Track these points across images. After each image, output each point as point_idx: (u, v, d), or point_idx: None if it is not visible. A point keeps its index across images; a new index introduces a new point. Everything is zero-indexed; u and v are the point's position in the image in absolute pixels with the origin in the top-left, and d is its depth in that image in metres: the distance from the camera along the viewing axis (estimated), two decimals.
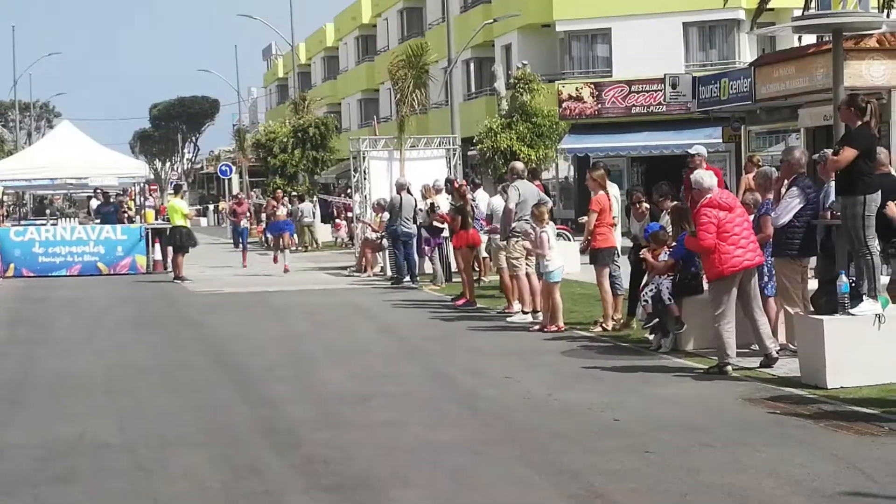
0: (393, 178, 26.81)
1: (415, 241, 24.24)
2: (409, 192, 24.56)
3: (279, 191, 33.28)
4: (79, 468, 8.68)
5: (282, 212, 30.47)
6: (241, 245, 33.73)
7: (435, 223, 23.00)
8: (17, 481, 8.39)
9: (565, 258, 16.16)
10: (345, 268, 29.34)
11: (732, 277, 11.91)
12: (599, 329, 15.46)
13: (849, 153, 11.14)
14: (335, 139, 49.25)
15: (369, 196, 28.26)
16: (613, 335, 15.08)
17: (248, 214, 35.66)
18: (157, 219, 33.22)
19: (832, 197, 12.39)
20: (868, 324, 10.82)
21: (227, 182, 59.04)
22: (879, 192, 11.35)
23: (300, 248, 40.18)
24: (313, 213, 42.14)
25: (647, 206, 15.34)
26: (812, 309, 11.92)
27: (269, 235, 36.84)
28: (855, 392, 10.48)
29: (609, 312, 15.58)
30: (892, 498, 7.14)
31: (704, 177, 12.27)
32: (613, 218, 15.99)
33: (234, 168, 60.65)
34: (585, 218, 16.16)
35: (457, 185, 21.61)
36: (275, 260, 29.69)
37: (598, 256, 15.73)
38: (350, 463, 8.63)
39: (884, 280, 11.83)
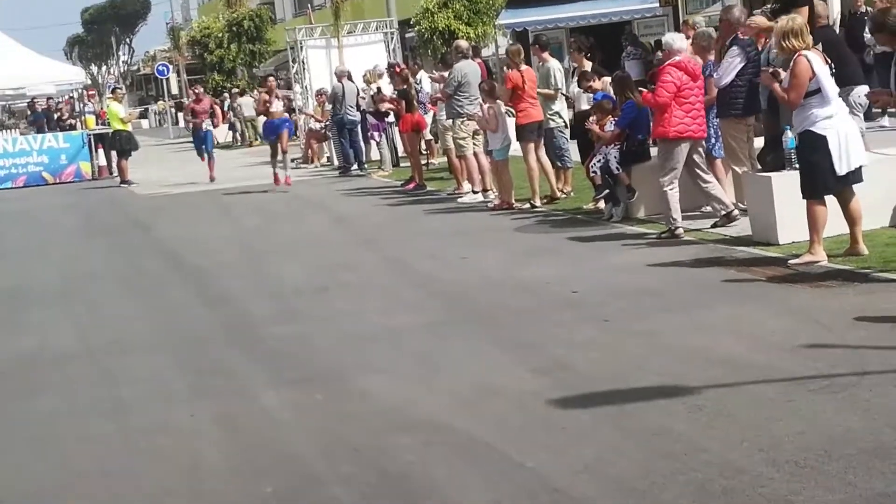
0: (332, 67, 26.48)
1: (359, 128, 24.03)
2: (350, 79, 24.26)
3: (270, 79, 23.04)
4: (42, 380, 8.61)
5: (277, 107, 21.81)
6: (205, 154, 25.65)
7: (380, 108, 22.75)
8: None
9: (511, 135, 16.06)
10: (291, 160, 29.06)
11: (677, 143, 11.90)
12: (528, 206, 15.40)
13: (800, 19, 11.04)
14: (271, 31, 48.52)
15: (310, 86, 27.92)
16: (564, 208, 15.08)
17: (211, 113, 28.56)
18: (97, 124, 32.68)
19: (773, 53, 12.32)
20: None
21: (165, 82, 58.05)
22: (820, 46, 11.28)
23: (245, 144, 39.78)
24: (254, 107, 41.64)
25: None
26: (759, 167, 11.94)
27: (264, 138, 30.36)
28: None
29: (536, 188, 15.52)
30: (851, 346, 7.21)
31: (676, 38, 12.24)
32: (557, 90, 15.84)
33: (171, 67, 59.60)
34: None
35: (399, 70, 21.35)
36: (275, 180, 21.76)
37: (521, 132, 15.63)
38: (313, 355, 8.62)
39: None
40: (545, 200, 15.61)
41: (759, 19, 11.89)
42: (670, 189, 11.94)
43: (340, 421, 6.82)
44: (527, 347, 8.14)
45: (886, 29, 9.23)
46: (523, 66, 15.74)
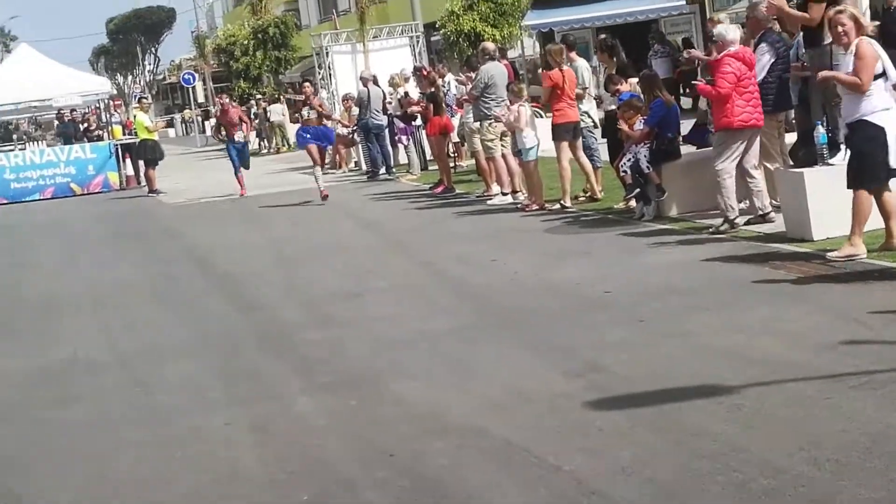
0: (358, 72, 26.52)
1: (386, 132, 24.06)
2: (375, 83, 24.29)
3: (307, 84, 21.69)
4: (75, 389, 8.65)
5: (311, 115, 20.30)
6: (235, 166, 23.16)
7: (408, 112, 22.74)
8: (14, 407, 8.37)
9: (540, 135, 16.03)
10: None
11: (740, 133, 11.81)
12: (558, 206, 15.37)
13: (818, 9, 11.01)
14: (296, 37, 48.63)
15: (336, 92, 27.97)
16: (595, 208, 15.04)
17: (241, 123, 23.41)
18: (124, 134, 32.86)
19: (802, 48, 12.27)
20: None
21: (191, 90, 58.34)
22: None
23: (272, 151, 39.89)
24: (283, 113, 41.72)
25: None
26: (791, 163, 11.88)
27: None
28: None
29: (567, 188, 15.48)
30: (889, 343, 7.16)
31: (729, 30, 12.11)
32: (585, 90, 15.83)
33: (196, 76, 59.92)
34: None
35: (426, 73, 21.35)
36: (322, 195, 20.16)
37: (556, 132, 15.60)
38: (346, 360, 8.62)
39: None
40: (584, 199, 15.57)
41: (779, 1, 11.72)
42: (728, 178, 11.84)
43: (374, 426, 6.82)
44: (559, 350, 8.11)
45: None
46: (565, 67, 15.69)
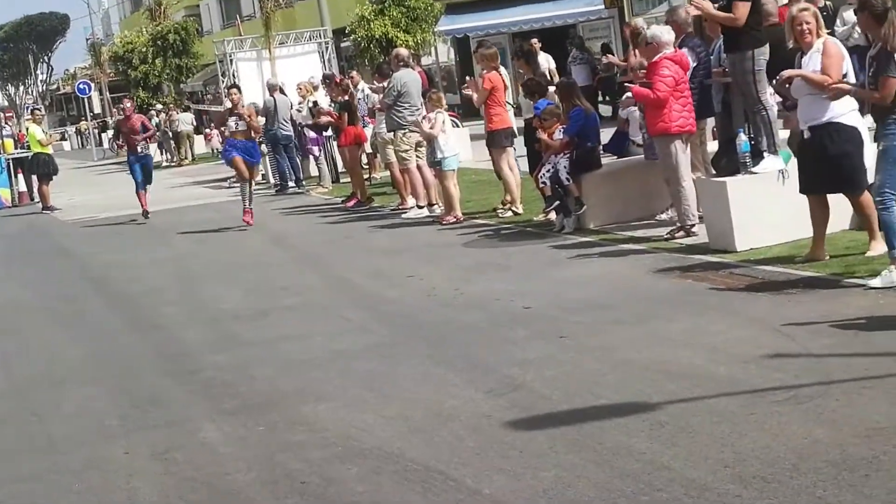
0: (264, 80, 26.42)
1: (294, 143, 23.98)
2: (282, 92, 24.21)
3: (235, 91, 18.81)
4: None
5: (238, 125, 18.19)
6: (137, 182, 21.20)
7: (320, 122, 22.60)
8: None
9: (458, 145, 16.10)
10: (224, 179, 28.92)
11: (678, 136, 11.93)
12: (510, 213, 15.46)
13: (743, 8, 11.17)
14: (198, 44, 48.42)
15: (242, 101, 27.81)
16: (514, 221, 15.12)
17: (144, 132, 21.13)
18: (16, 147, 32.36)
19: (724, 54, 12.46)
20: (772, 181, 10.96)
21: (86, 101, 57.65)
22: (767, 45, 11.42)
23: (173, 163, 39.57)
24: (192, 123, 41.40)
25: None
26: (714, 172, 12.05)
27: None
28: (765, 252, 10.65)
29: (517, 195, 15.58)
30: (815, 355, 7.28)
31: (664, 31, 12.20)
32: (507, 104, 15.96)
33: (92, 85, 59.23)
34: (471, 93, 16.05)
35: (339, 80, 21.28)
36: (245, 216, 18.21)
37: (495, 138, 15.68)
38: (254, 383, 8.57)
39: (783, 134, 11.97)
40: (502, 211, 15.63)
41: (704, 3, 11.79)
42: (686, 185, 11.95)
43: (284, 452, 6.78)
44: (479, 367, 8.14)
45: (867, 7, 8.95)
46: (501, 70, 15.81)
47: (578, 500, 5.44)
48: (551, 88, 15.08)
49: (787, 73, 9.91)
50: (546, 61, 18.86)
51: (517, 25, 39.68)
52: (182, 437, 7.37)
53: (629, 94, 13.31)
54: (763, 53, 11.33)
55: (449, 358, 8.55)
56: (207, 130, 41.44)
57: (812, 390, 6.55)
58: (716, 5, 11.67)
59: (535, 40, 18.64)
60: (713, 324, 8.46)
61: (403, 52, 18.32)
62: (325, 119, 21.46)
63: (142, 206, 21.19)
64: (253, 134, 18.40)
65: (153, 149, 33.27)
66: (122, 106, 22.81)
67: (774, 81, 10.40)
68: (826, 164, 9.74)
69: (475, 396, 7.43)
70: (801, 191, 10.02)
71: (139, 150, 21.15)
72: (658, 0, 32.54)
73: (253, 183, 18.71)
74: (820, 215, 9.97)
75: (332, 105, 20.97)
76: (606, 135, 15.16)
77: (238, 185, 26.87)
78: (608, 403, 6.86)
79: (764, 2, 11.81)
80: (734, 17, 11.26)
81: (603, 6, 37.11)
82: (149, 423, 7.80)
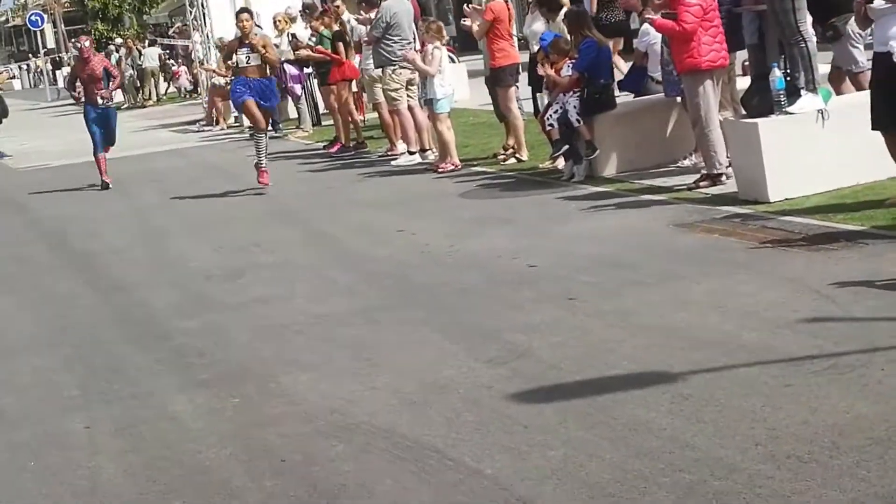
0: (236, 10, 26.26)
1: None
2: (257, 25, 24.03)
3: (244, 16, 16.56)
4: None
5: (249, 59, 16.11)
6: (96, 143, 18.85)
7: (300, 56, 22.35)
8: None
9: (454, 84, 16.03)
10: (193, 122, 28.88)
11: (710, 73, 11.86)
12: (513, 160, 15.41)
13: None
14: None
15: (211, 35, 27.69)
16: (517, 168, 15.08)
17: (107, 77, 18.60)
18: None
19: None
20: (810, 122, 10.92)
21: (39, 34, 57.45)
22: None
23: (138, 104, 39.46)
24: (161, 59, 41.20)
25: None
26: (744, 112, 11.99)
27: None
28: (801, 203, 10.62)
29: (522, 139, 15.52)
30: (858, 319, 7.26)
31: None
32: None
33: (45, 17, 58.99)
34: (468, 23, 15.92)
35: (328, 7, 21.03)
36: (261, 177, 16.33)
37: (500, 76, 15.60)
38: (228, 351, 8.56)
39: (822, 69, 11.91)
40: (505, 157, 15.58)
41: None
42: (714, 127, 11.87)
43: (262, 427, 6.77)
44: (478, 333, 8.12)
45: None
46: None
47: (591, 482, 5.43)
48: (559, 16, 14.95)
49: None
50: None
51: None
52: (148, 411, 7.36)
53: (646, 24, 13.22)
54: None
55: (445, 323, 8.53)
56: (175, 68, 41.27)
57: (854, 359, 6.53)
58: None
59: None
60: (743, 284, 8.43)
61: None
62: (304, 52, 21.20)
63: (100, 173, 18.80)
64: (269, 70, 16.34)
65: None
66: (78, 44, 19.62)
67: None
68: None
69: (474, 366, 7.41)
70: (874, 127, 9.90)
71: (100, 101, 18.60)
72: None
73: (267, 133, 16.78)
74: None
75: (312, 38, 20.81)
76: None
77: (209, 128, 26.97)
78: (624, 374, 6.84)
79: None
80: None
81: None
82: (112, 395, 7.80)
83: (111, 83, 18.79)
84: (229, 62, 16.63)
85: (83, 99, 18.76)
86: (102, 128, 18.73)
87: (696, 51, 11.77)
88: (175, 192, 17.50)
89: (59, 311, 10.61)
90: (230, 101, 26.46)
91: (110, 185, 18.54)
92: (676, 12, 11.77)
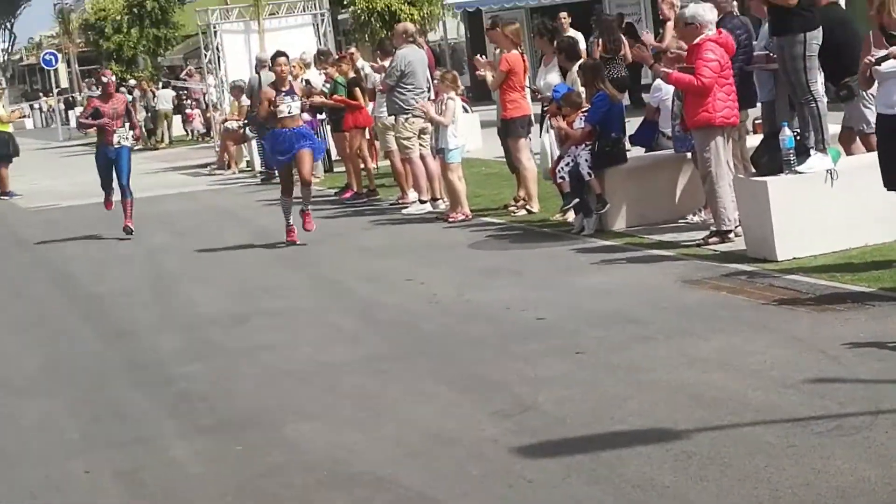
0: (252, 55, 26.39)
1: None
2: (271, 69, 24.15)
3: (282, 59, 15.19)
4: None
5: (291, 107, 14.81)
6: (110, 185, 17.77)
7: (313, 103, 22.40)
8: None
9: (466, 134, 16.07)
10: (204, 165, 28.97)
11: (722, 129, 11.88)
12: (523, 212, 15.43)
13: None
14: (178, 12, 48.41)
15: (226, 78, 27.83)
16: (527, 220, 15.11)
17: (126, 116, 17.51)
18: None
19: (765, 38, 12.45)
20: (818, 181, 10.94)
21: (52, 73, 57.73)
22: (820, 28, 11.39)
23: (150, 146, 39.57)
24: (173, 101, 41.31)
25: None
26: (753, 170, 12.02)
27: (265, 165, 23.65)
28: (809, 262, 10.63)
29: (533, 191, 15.54)
30: (863, 381, 7.26)
31: (706, 10, 12.00)
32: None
33: (59, 56, 59.31)
34: (484, 74, 15.96)
35: (346, 54, 21.11)
36: (289, 232, 15.27)
37: (512, 127, 15.63)
38: (232, 398, 8.56)
39: (833, 129, 11.94)
40: (516, 209, 15.61)
41: None
42: (724, 183, 11.85)
43: (264, 476, 6.77)
44: (485, 385, 8.12)
45: None
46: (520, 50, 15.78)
47: None
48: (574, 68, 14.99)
49: (872, 57, 9.84)
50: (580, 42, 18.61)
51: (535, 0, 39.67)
52: (150, 456, 7.36)
53: (659, 78, 13.26)
54: (815, 37, 11.30)
55: (451, 374, 8.53)
56: (188, 110, 41.41)
57: (859, 420, 6.52)
58: None
59: (563, 15, 18.54)
60: (749, 342, 8.44)
61: (409, 27, 18.26)
62: (317, 99, 21.27)
63: (125, 217, 17.47)
64: (304, 112, 15.44)
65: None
66: (103, 78, 18.09)
67: (872, 59, 10.22)
68: None
69: (480, 418, 7.41)
70: (887, 187, 9.90)
71: (115, 140, 17.25)
72: None
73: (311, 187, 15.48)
74: None
75: (326, 84, 20.91)
76: (632, 126, 15.12)
77: (221, 172, 27.04)
78: (629, 430, 6.84)
79: None
80: None
81: None
82: (114, 440, 7.80)
83: (132, 124, 18.02)
84: (273, 107, 14.65)
85: (96, 137, 17.67)
86: (113, 168, 17.47)
87: (710, 106, 11.79)
88: (184, 235, 17.53)
89: (64, 353, 10.63)
90: (241, 145, 26.66)
91: (133, 231, 17.29)
92: (694, 67, 11.79)
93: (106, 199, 18.00)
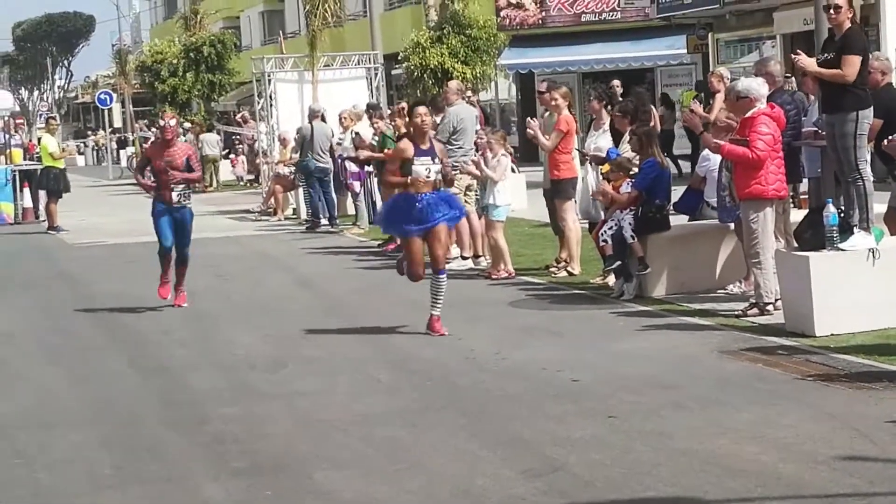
0: (305, 104, 26.62)
1: (331, 177, 24.09)
2: (323, 119, 24.36)
3: (423, 111, 12.49)
4: None
5: (430, 171, 12.11)
6: (170, 249, 14.91)
7: (360, 156, 22.52)
8: None
9: (512, 193, 16.13)
10: (250, 211, 29.14)
11: (771, 202, 11.91)
12: (565, 273, 15.45)
13: (855, 63, 11.16)
14: (234, 59, 48.76)
15: (277, 126, 28.06)
16: (568, 282, 15.11)
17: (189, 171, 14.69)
18: (25, 158, 32.71)
19: (815, 115, 12.49)
20: (860, 260, 10.93)
21: (106, 112, 58.27)
22: (872, 107, 11.42)
23: (198, 189, 39.80)
24: (219, 145, 41.61)
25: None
26: (796, 244, 12.01)
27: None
28: (847, 340, 10.60)
29: (575, 253, 15.55)
30: (892, 460, 7.22)
31: (760, 84, 12.01)
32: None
33: (114, 96, 59.88)
34: (533, 134, 15.97)
35: (399, 108, 21.23)
36: (432, 325, 12.24)
37: (562, 188, 15.64)
38: (265, 441, 8.59)
39: (878, 209, 11.94)
40: (557, 270, 15.61)
41: (807, 60, 11.75)
42: (769, 257, 11.83)
43: None
44: (516, 444, 8.13)
45: None
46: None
47: None
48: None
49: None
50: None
51: (588, 65, 39.90)
52: (181, 495, 7.40)
53: (707, 149, 13.27)
54: (867, 116, 11.34)
55: (483, 430, 8.54)
56: (233, 156, 41.67)
57: (888, 500, 6.50)
58: (820, 58, 11.60)
59: (616, 83, 18.65)
60: (783, 416, 8.41)
61: (456, 85, 18.44)
62: (365, 153, 21.37)
63: (176, 284, 15.05)
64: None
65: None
66: (161, 121, 15.19)
67: (886, 142, 10.28)
68: None
69: (509, 475, 7.41)
70: None
71: (175, 198, 14.58)
72: (748, 48, 32.57)
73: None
74: None
75: (375, 137, 21.06)
76: (676, 193, 15.13)
77: (267, 218, 27.19)
78: (658, 496, 6.83)
79: (876, 56, 11.79)
80: (843, 73, 11.22)
81: (686, 50, 37.22)
82: (145, 476, 7.84)
83: (194, 176, 15.10)
84: (422, 164, 12.01)
85: (154, 191, 14.77)
86: (174, 228, 14.78)
87: (763, 178, 11.76)
88: (227, 278, 17.64)
89: (101, 388, 10.69)
90: (289, 192, 26.78)
91: (185, 306, 14.83)
92: (748, 139, 11.76)
93: (162, 279, 14.91)
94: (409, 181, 12.03)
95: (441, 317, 12.16)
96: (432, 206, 12.07)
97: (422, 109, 12.45)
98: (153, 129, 46.53)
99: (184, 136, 40.14)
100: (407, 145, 12.16)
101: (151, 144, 14.98)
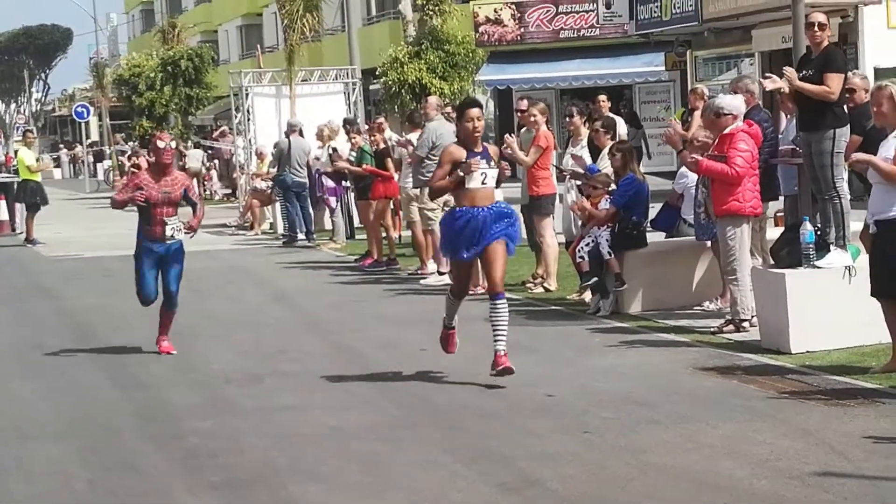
0: (282, 119, 26.66)
1: (308, 192, 24.10)
2: (300, 134, 24.38)
3: (476, 111, 10.61)
4: None
5: (487, 175, 10.59)
6: (153, 297, 12.83)
7: (339, 168, 22.46)
8: None
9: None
10: (226, 225, 29.12)
11: (748, 219, 11.98)
12: (541, 289, 15.49)
13: (838, 81, 11.26)
14: (212, 73, 48.76)
15: (254, 140, 28.09)
16: (544, 298, 15.16)
17: (184, 196, 12.51)
18: (1, 171, 32.61)
19: (793, 133, 12.57)
20: (836, 277, 11.00)
21: (83, 125, 58.16)
22: (849, 125, 11.50)
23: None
24: (203, 161, 41.51)
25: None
26: (772, 262, 12.08)
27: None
28: (822, 357, 10.67)
29: (552, 269, 15.59)
30: (869, 477, 7.28)
31: (739, 101, 12.11)
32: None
33: (91, 109, 59.76)
34: (510, 152, 15.98)
35: (376, 123, 21.20)
36: (450, 341, 11.23)
37: (542, 204, 15.67)
38: (242, 455, 8.61)
39: (855, 227, 12.01)
40: (532, 286, 15.66)
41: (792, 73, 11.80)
42: (745, 273, 11.89)
43: None
44: (492, 459, 8.16)
45: None
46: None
47: None
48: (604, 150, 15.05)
49: (856, 156, 10.02)
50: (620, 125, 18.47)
51: (567, 81, 39.98)
52: None
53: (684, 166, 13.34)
54: (844, 134, 11.42)
55: (459, 445, 8.58)
56: (206, 171, 41.54)
57: None
58: (798, 75, 11.67)
59: (603, 98, 18.53)
60: (758, 432, 8.47)
61: (435, 101, 18.41)
62: (342, 165, 21.25)
63: (160, 332, 12.79)
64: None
65: None
66: (160, 142, 12.62)
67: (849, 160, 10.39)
68: (880, 263, 9.81)
69: (484, 490, 7.45)
70: (872, 293, 10.02)
71: (168, 232, 12.43)
72: (726, 66, 32.71)
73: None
74: (895, 321, 9.94)
75: (352, 153, 21.06)
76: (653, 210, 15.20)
77: (243, 233, 27.18)
78: None
79: (857, 74, 11.87)
80: (828, 90, 11.29)
81: (664, 67, 37.35)
82: (121, 491, 7.84)
83: (195, 212, 12.82)
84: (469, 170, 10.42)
85: (140, 228, 12.48)
86: (162, 270, 12.60)
87: (741, 195, 11.81)
88: (204, 293, 17.62)
89: (78, 402, 10.68)
90: (266, 206, 26.79)
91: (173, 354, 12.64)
92: (727, 156, 11.80)
93: (142, 297, 12.82)
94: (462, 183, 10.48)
95: (507, 352, 10.50)
96: (487, 222, 10.47)
97: (474, 112, 10.63)
98: (131, 143, 46.49)
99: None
100: (457, 149, 10.65)
101: (143, 172, 12.83)
